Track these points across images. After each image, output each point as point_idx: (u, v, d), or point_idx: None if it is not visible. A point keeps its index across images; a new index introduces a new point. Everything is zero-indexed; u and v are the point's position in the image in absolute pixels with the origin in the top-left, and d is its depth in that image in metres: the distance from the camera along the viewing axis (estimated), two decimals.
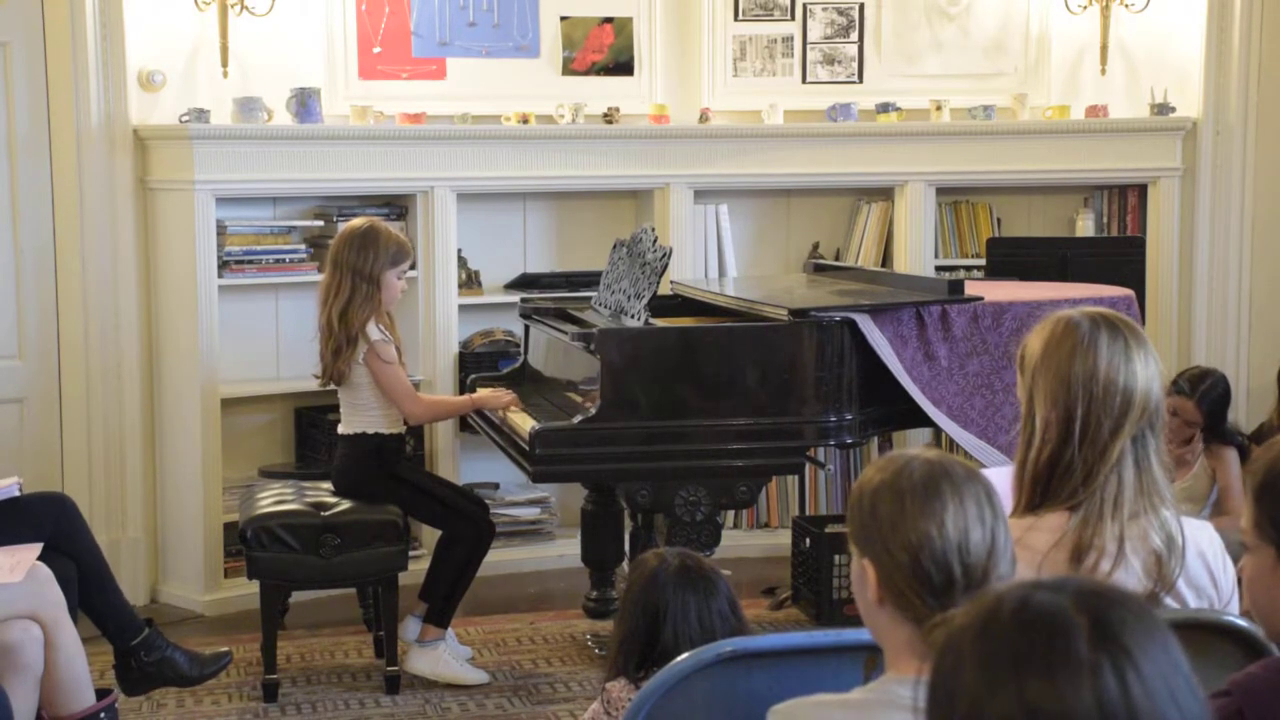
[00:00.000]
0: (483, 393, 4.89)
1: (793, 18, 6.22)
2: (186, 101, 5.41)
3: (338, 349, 4.55)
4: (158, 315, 5.49)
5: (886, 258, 6.21)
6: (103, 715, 3.80)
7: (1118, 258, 5.78)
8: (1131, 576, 2.23)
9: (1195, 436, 4.90)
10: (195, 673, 4.20)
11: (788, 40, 6.23)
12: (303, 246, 5.63)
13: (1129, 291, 4.93)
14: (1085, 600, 1.29)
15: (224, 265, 5.44)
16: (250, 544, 4.52)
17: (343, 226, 4.74)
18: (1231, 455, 4.95)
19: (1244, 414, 6.21)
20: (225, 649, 4.35)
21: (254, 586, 4.61)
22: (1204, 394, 4.85)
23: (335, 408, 4.76)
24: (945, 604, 1.77)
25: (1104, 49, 6.23)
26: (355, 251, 4.56)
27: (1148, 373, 2.28)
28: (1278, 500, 1.90)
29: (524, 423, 4.49)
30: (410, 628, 4.69)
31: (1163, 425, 2.32)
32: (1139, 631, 1.28)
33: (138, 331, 5.45)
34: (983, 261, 6.06)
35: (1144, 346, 2.30)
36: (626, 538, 5.19)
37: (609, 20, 6.08)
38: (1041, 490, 2.29)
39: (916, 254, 6.10)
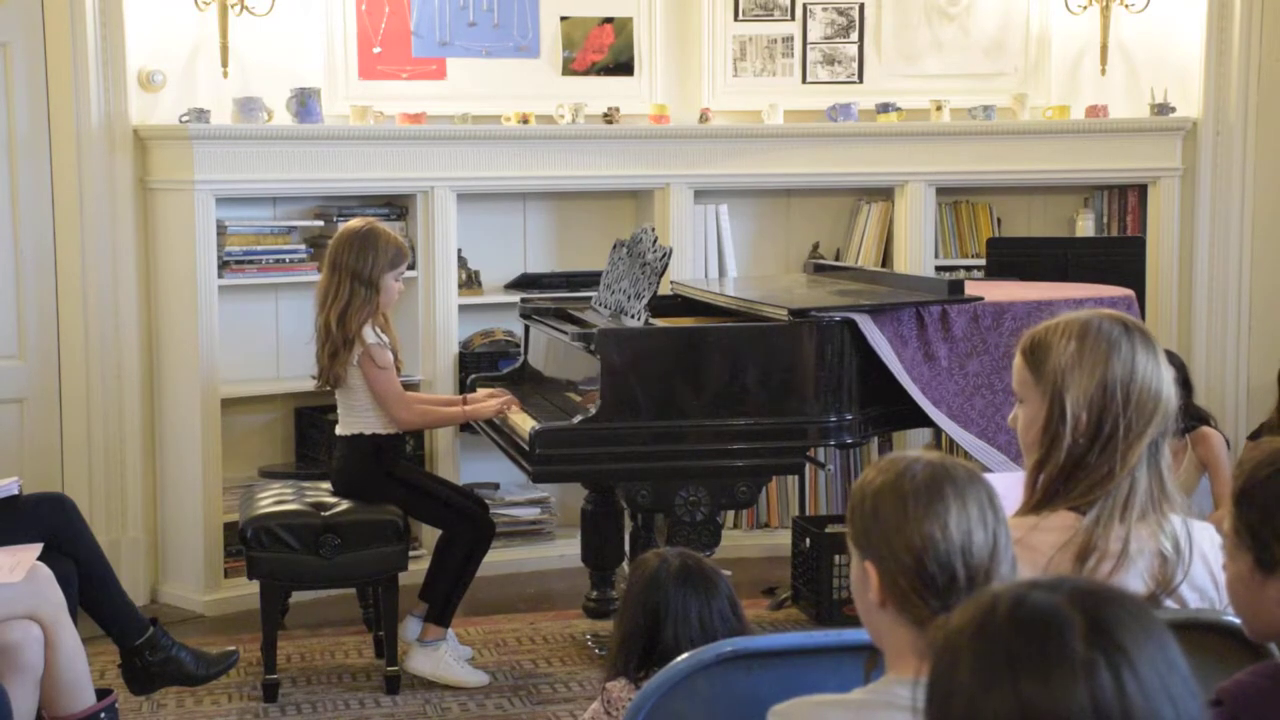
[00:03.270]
0: (476, 403, 4.84)
1: (793, 18, 6.22)
2: (186, 101, 5.42)
3: (334, 352, 4.54)
4: (158, 315, 5.49)
5: (886, 258, 6.21)
6: (103, 715, 3.80)
7: (1118, 258, 5.77)
8: (1134, 578, 2.23)
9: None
10: (202, 672, 4.20)
11: (788, 40, 6.23)
12: (303, 246, 5.63)
13: (1129, 291, 4.93)
14: (1081, 599, 1.29)
15: (224, 265, 5.44)
16: (250, 544, 4.52)
17: (340, 228, 4.73)
18: (1217, 438, 4.98)
19: (1244, 414, 6.22)
20: (232, 648, 4.34)
21: (254, 586, 4.61)
22: (1168, 353, 4.94)
23: (335, 408, 4.76)
24: (948, 605, 1.77)
25: (1104, 49, 6.23)
26: (355, 254, 4.55)
27: (1169, 379, 2.31)
28: (1255, 508, 1.91)
29: (524, 423, 4.49)
30: (410, 627, 4.69)
31: (1171, 431, 2.33)
32: (1135, 630, 1.28)
33: (138, 331, 5.45)
34: (983, 261, 6.05)
35: (1160, 353, 2.33)
36: (626, 538, 5.19)
37: (609, 20, 6.08)
38: (1056, 490, 2.30)
39: (916, 254, 6.10)
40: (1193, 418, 5.04)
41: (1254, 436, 5.69)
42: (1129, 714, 1.24)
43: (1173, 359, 4.99)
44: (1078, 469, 2.28)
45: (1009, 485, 2.37)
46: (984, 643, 1.30)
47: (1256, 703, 1.83)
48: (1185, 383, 5.01)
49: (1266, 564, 1.91)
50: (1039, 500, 2.31)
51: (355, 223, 4.69)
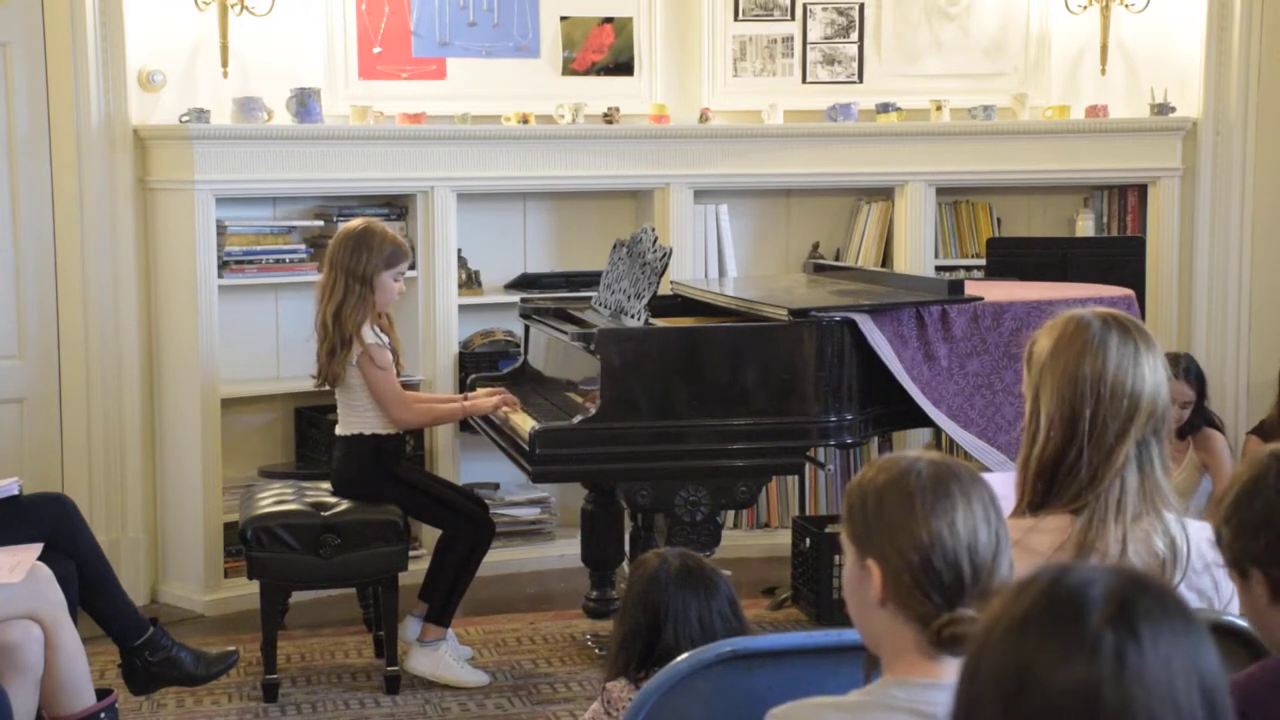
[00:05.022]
0: (475, 399, 4.85)
1: (793, 18, 6.22)
2: (186, 101, 5.42)
3: (332, 350, 4.55)
4: (158, 315, 5.49)
5: (886, 258, 6.21)
6: (103, 715, 3.80)
7: (1118, 258, 5.77)
8: None
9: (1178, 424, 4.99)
10: (201, 672, 4.20)
11: (788, 40, 6.23)
12: (303, 246, 5.63)
13: (1129, 291, 4.93)
14: (1118, 583, 1.29)
15: (224, 265, 5.44)
16: (250, 544, 4.52)
17: (340, 227, 4.75)
18: (1220, 440, 5.03)
19: (1244, 414, 6.22)
20: (232, 648, 4.34)
21: (254, 586, 4.61)
22: (1187, 371, 5.03)
23: (335, 408, 4.76)
24: (952, 604, 1.77)
25: (1104, 49, 6.23)
26: (349, 252, 4.56)
27: (1156, 377, 2.27)
28: (1231, 521, 1.94)
29: (524, 423, 4.49)
30: (410, 627, 4.70)
31: (1168, 429, 2.32)
32: (1160, 624, 1.27)
33: (138, 331, 5.45)
34: (983, 261, 6.06)
35: (1153, 350, 2.29)
36: (626, 538, 5.19)
37: (609, 20, 6.08)
38: (1044, 490, 2.29)
39: (916, 254, 6.10)
40: (1203, 419, 5.09)
41: (1257, 431, 5.70)
42: (1123, 706, 1.23)
43: (1192, 365, 5.06)
44: (1058, 468, 2.27)
45: (1006, 484, 2.37)
46: (1014, 603, 1.31)
47: (1264, 698, 1.83)
48: (1200, 389, 5.06)
49: (1241, 571, 1.94)
50: (1028, 501, 2.31)
51: (353, 222, 4.72)
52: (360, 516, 4.57)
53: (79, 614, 3.96)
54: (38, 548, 3.79)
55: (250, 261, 5.51)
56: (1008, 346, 4.49)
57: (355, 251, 4.55)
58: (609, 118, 5.92)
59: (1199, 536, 2.31)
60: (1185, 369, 5.08)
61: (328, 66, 5.73)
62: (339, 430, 4.71)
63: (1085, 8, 6.19)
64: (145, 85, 5.43)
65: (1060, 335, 2.30)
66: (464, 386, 5.43)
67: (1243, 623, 2.14)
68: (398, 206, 5.76)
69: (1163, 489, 2.28)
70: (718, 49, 6.16)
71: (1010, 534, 1.89)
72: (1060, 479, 2.27)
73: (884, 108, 6.11)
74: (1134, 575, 1.32)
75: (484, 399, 4.78)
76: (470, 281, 5.91)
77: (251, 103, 5.42)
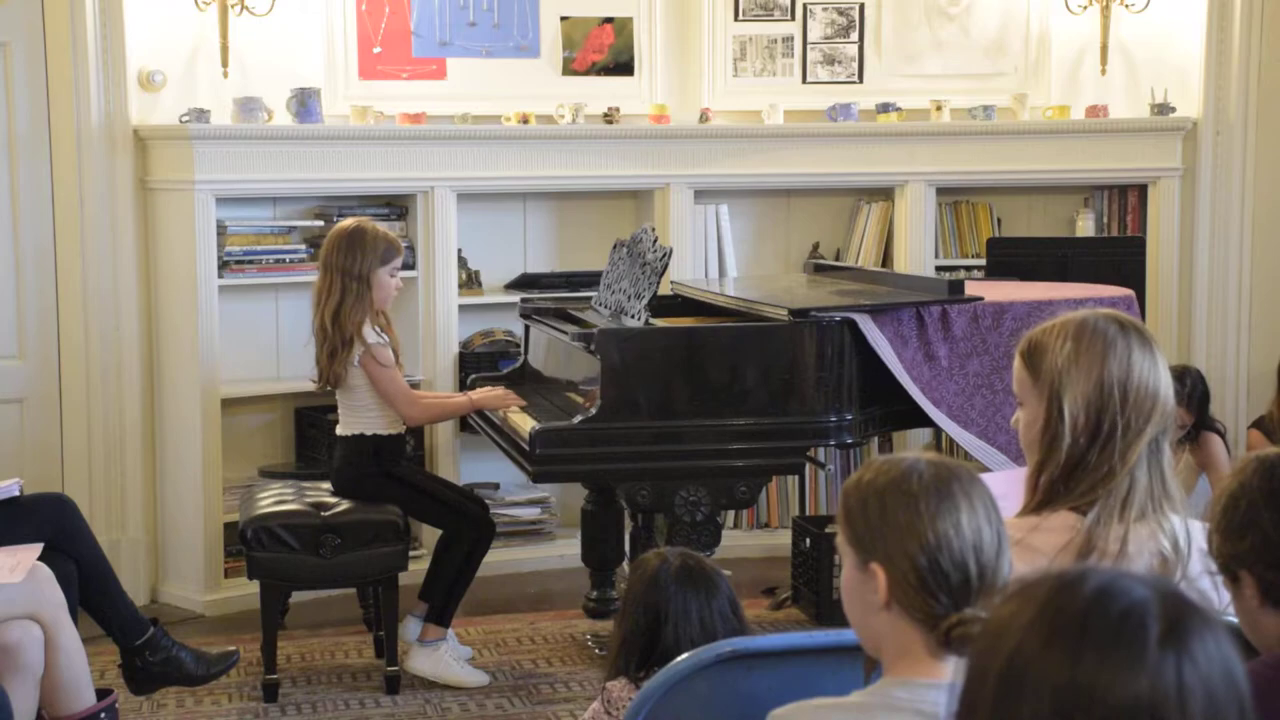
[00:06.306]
0: (483, 393, 4.87)
1: (793, 18, 6.22)
2: (186, 101, 5.42)
3: (333, 352, 4.54)
4: (158, 315, 5.49)
5: (886, 258, 6.22)
6: (103, 715, 3.80)
7: (1118, 258, 5.78)
8: None
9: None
10: (202, 672, 4.20)
11: (788, 40, 6.23)
12: (303, 246, 5.63)
13: (1129, 291, 4.94)
14: (1168, 600, 1.28)
15: (224, 265, 5.44)
16: (250, 544, 4.52)
17: (331, 229, 4.75)
18: (1217, 442, 5.05)
19: (1244, 415, 6.22)
20: (233, 648, 4.34)
21: (254, 586, 4.61)
22: (1190, 395, 5.04)
23: (335, 408, 4.76)
24: (959, 604, 1.77)
25: (1104, 49, 6.23)
26: (343, 253, 4.56)
27: (1167, 377, 2.30)
28: (1230, 527, 1.94)
29: (524, 423, 4.49)
30: (410, 628, 4.70)
31: (1173, 430, 2.33)
32: (1207, 639, 1.26)
33: (138, 331, 5.45)
34: (983, 261, 6.06)
35: (1158, 349, 2.32)
36: (626, 538, 5.19)
37: (609, 20, 6.08)
38: (1062, 490, 2.29)
39: (916, 254, 6.10)
40: (1202, 425, 5.11)
41: (1257, 425, 5.71)
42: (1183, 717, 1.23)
43: (1196, 387, 5.10)
44: (1078, 469, 2.27)
45: (1009, 484, 2.37)
46: (1059, 608, 1.27)
47: (1265, 693, 1.83)
48: (1204, 395, 5.08)
49: (1232, 575, 1.94)
50: (1040, 501, 2.31)
51: (345, 222, 4.72)
52: (360, 516, 4.57)
53: (79, 614, 3.96)
54: (38, 548, 3.79)
55: (250, 261, 5.51)
56: (1008, 347, 4.49)
57: (349, 251, 4.55)
58: (609, 118, 5.92)
59: (1200, 537, 2.31)
60: (1190, 391, 5.08)
61: (328, 66, 5.73)
62: (339, 430, 4.71)
63: (1085, 8, 6.19)
64: (145, 85, 5.43)
65: (1079, 338, 2.30)
66: (464, 386, 5.43)
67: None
68: (398, 206, 5.77)
69: (1169, 487, 2.29)
70: (718, 49, 6.16)
71: (1014, 533, 1.89)
72: (1075, 478, 2.28)
73: (884, 108, 6.12)
74: (1173, 587, 1.30)
75: (490, 394, 4.79)
76: (470, 281, 5.91)
77: (251, 103, 5.42)
